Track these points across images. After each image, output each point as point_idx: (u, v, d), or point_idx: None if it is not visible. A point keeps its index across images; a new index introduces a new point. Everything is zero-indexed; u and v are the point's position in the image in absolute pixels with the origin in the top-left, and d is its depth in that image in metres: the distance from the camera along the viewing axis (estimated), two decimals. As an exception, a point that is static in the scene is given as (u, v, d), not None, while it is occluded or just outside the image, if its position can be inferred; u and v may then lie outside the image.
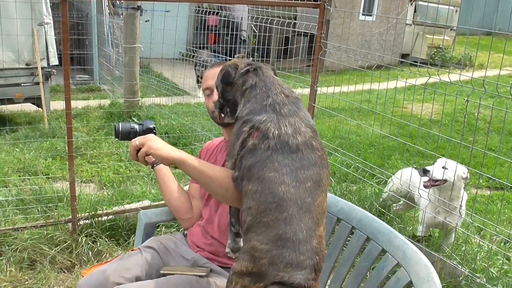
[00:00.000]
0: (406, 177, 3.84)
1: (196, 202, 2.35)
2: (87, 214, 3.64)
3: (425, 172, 3.49)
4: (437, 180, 3.45)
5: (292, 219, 1.45)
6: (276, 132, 1.53)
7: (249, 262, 1.45)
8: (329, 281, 2.14)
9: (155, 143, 1.82)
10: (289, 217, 1.45)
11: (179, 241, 2.27)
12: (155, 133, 2.34)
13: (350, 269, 2.08)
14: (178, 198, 2.36)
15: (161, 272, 2.03)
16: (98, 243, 3.48)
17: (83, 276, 2.02)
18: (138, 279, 1.99)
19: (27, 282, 3.14)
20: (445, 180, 3.44)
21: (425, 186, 3.53)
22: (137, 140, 1.87)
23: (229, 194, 1.69)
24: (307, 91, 4.14)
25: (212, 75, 2.04)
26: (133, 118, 7.16)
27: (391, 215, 3.83)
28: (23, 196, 4.08)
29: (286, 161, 1.50)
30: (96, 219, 3.62)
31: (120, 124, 2.29)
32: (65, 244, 3.40)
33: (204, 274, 1.99)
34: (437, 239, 3.76)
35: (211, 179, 1.72)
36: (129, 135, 2.26)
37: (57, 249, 3.37)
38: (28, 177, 4.87)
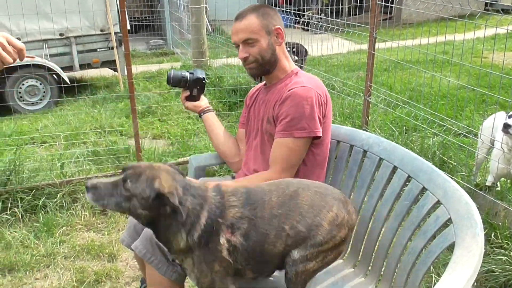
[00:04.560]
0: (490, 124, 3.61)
1: (244, 145, 2.43)
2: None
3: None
4: None
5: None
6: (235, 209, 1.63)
7: None
8: (371, 221, 2.15)
9: None
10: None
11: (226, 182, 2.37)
12: (204, 83, 2.44)
13: (391, 208, 2.07)
14: (225, 143, 2.46)
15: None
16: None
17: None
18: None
19: (99, 226, 3.43)
20: None
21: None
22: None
23: None
24: (387, 45, 3.98)
25: (237, 31, 2.14)
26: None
27: (453, 163, 3.69)
28: (98, 150, 4.40)
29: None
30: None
31: (172, 71, 2.40)
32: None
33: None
34: (502, 188, 3.59)
35: None
36: (179, 82, 2.38)
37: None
38: (103, 135, 5.22)
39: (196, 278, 1.67)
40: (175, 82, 2.38)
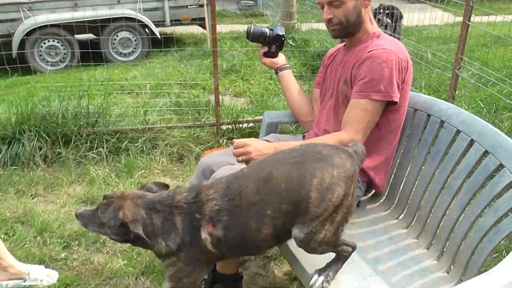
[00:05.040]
0: None
1: (318, 106, 2.42)
2: (229, 120, 3.97)
3: None
4: None
5: None
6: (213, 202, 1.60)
7: None
8: (441, 193, 2.10)
9: (256, 156, 1.92)
10: None
11: (296, 140, 2.38)
12: (283, 41, 2.44)
13: (463, 182, 2.00)
14: (299, 102, 2.47)
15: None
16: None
17: (204, 155, 2.29)
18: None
19: (175, 172, 3.61)
20: None
21: None
22: (239, 149, 1.96)
23: None
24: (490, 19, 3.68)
25: None
26: (288, 40, 7.31)
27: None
28: (180, 101, 4.58)
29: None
30: (238, 125, 3.94)
31: (252, 26, 2.42)
32: (208, 144, 3.80)
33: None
34: None
35: None
36: (259, 37, 2.40)
37: (202, 147, 3.77)
38: (187, 88, 5.41)
39: (176, 280, 1.72)
40: (255, 37, 2.40)
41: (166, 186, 1.80)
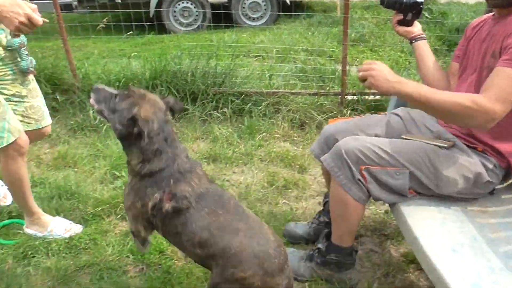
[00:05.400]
0: None
1: (456, 80, 2.23)
2: (355, 91, 3.84)
3: None
4: None
5: (247, 235, 1.71)
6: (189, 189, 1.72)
7: None
8: None
9: (377, 79, 1.76)
10: (245, 235, 1.71)
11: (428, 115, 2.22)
12: (421, 9, 2.25)
13: None
14: (434, 74, 2.28)
15: (402, 137, 2.06)
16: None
17: (328, 124, 2.22)
18: (377, 136, 2.08)
19: (295, 139, 3.60)
20: None
21: None
22: (362, 71, 1.82)
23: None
24: None
25: None
26: (423, 12, 6.86)
27: None
28: (305, 68, 4.53)
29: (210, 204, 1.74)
30: (363, 97, 3.80)
31: None
32: (331, 114, 3.72)
33: (446, 146, 1.94)
34: None
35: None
36: (394, 4, 2.23)
37: (324, 116, 3.71)
38: (313, 55, 5.33)
39: (124, 195, 1.84)
40: (390, 3, 2.23)
41: (182, 110, 1.93)
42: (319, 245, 2.20)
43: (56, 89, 4.11)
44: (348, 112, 3.69)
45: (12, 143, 2.24)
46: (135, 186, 1.77)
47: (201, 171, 1.81)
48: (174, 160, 1.73)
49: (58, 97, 4.03)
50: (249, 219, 1.77)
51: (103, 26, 4.38)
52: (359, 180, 1.92)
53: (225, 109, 3.83)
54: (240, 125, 3.72)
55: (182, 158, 1.76)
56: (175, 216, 1.71)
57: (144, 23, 5.17)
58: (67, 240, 2.45)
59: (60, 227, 2.54)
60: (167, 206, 1.70)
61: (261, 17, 7.79)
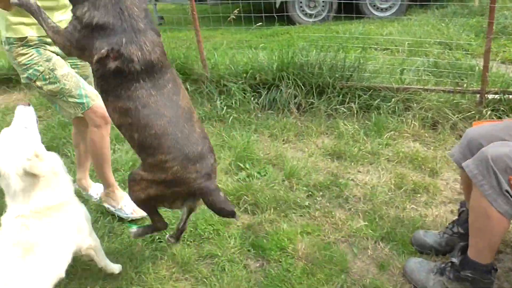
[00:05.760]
0: None
1: None
2: (497, 89, 3.48)
3: None
4: None
5: (171, 122, 1.74)
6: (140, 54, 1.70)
7: (162, 173, 1.76)
8: None
9: None
10: (170, 121, 1.74)
11: None
12: None
13: None
14: None
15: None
16: (503, 119, 3.32)
17: (472, 126, 2.02)
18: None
19: (426, 139, 3.36)
20: None
21: None
22: None
23: None
24: None
25: None
26: None
27: None
28: (439, 63, 4.23)
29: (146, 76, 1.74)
30: (507, 96, 3.43)
31: None
32: (468, 113, 3.40)
33: None
34: None
35: None
36: None
37: (460, 116, 3.41)
38: (447, 49, 4.96)
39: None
40: None
41: None
42: (453, 259, 2.02)
43: (187, 79, 4.27)
44: (488, 112, 3.35)
45: (92, 107, 2.34)
46: (75, 25, 1.75)
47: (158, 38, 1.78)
48: (129, 18, 1.70)
49: (188, 86, 4.19)
50: (179, 109, 1.78)
51: (233, 17, 4.45)
52: (507, 191, 1.73)
53: (352, 104, 3.70)
54: (367, 122, 3.57)
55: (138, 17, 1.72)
56: (114, 76, 1.72)
57: (274, 14, 5.18)
58: (191, 229, 2.53)
59: (130, 206, 2.62)
60: (112, 64, 1.69)
61: (390, 7, 7.43)
